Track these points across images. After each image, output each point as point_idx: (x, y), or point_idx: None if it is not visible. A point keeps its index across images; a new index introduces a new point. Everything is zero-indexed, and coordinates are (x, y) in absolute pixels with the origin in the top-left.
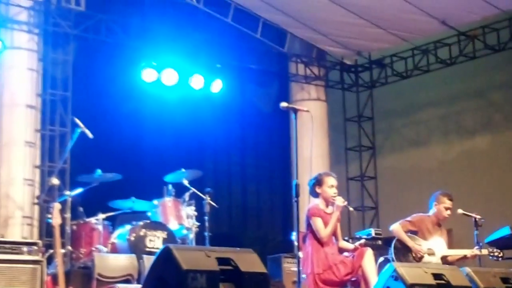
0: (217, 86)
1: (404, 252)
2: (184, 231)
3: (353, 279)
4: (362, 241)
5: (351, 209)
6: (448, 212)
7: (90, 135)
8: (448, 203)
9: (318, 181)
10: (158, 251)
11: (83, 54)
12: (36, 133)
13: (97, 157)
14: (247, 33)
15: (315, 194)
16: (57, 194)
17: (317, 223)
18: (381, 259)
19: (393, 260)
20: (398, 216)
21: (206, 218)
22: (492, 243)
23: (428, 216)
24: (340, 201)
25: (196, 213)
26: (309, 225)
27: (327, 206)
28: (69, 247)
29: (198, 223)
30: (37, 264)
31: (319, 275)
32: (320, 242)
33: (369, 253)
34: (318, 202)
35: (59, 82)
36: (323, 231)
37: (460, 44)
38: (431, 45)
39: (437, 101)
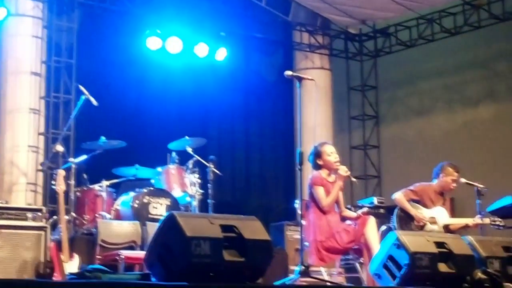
0: (221, 54)
1: (407, 221)
2: (188, 199)
3: (355, 247)
4: (365, 209)
5: (353, 179)
6: (455, 184)
7: (95, 102)
8: (455, 175)
9: (316, 154)
10: (161, 218)
11: (88, 22)
12: (41, 100)
13: (102, 124)
14: (252, 2)
15: (318, 167)
16: (61, 161)
17: (319, 192)
18: (384, 227)
19: (395, 229)
20: (401, 185)
21: (209, 185)
22: (494, 212)
23: (431, 185)
24: (343, 171)
25: (199, 181)
26: (311, 194)
27: (329, 174)
28: (73, 214)
29: (201, 191)
30: (41, 230)
31: (321, 243)
32: (322, 210)
33: (371, 221)
34: (321, 171)
35: (63, 50)
36: (325, 200)
37: (465, 14)
38: (436, 15)
39: (441, 70)
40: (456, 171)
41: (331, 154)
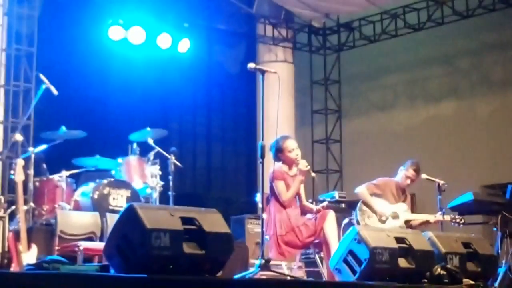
0: (184, 45)
1: (369, 214)
2: (148, 190)
3: (316, 241)
4: (325, 203)
5: (313, 174)
6: (408, 181)
7: (55, 92)
8: (410, 173)
9: (278, 149)
10: (121, 209)
11: (49, 10)
12: (0, 88)
13: (62, 114)
14: None
15: (278, 160)
16: (20, 150)
17: (279, 186)
18: (346, 220)
19: (357, 223)
20: (362, 179)
21: (170, 177)
22: (455, 209)
23: (393, 180)
24: (303, 165)
25: (160, 172)
26: (272, 187)
27: (290, 168)
28: (32, 204)
29: (162, 182)
30: None
31: (281, 237)
32: (282, 204)
33: (331, 215)
34: (282, 165)
35: (24, 37)
36: (285, 195)
37: (428, 10)
38: (400, 10)
39: (404, 66)
40: (414, 169)
41: (292, 150)
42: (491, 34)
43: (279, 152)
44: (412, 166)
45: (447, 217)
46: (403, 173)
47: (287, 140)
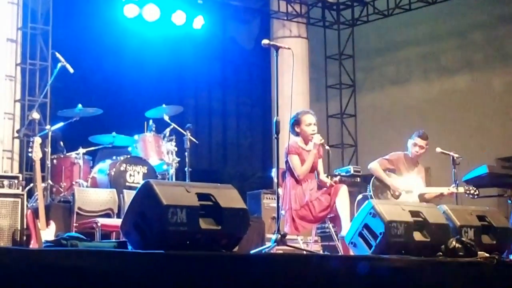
0: (198, 22)
1: (382, 190)
2: (165, 167)
3: (331, 215)
4: (337, 178)
5: (327, 147)
6: (417, 149)
7: (71, 70)
8: (417, 140)
9: (296, 121)
10: (138, 186)
11: None
12: (17, 67)
13: (78, 92)
14: None
15: (295, 133)
16: (37, 128)
17: (294, 160)
18: (360, 196)
19: (371, 198)
20: (377, 153)
21: (186, 153)
22: (469, 182)
23: (405, 154)
24: (317, 139)
25: (176, 149)
26: (287, 162)
27: (306, 143)
28: (50, 181)
29: (178, 159)
30: (17, 197)
31: (296, 211)
32: (297, 179)
33: (343, 190)
34: (298, 140)
35: (39, 16)
36: (299, 169)
37: None
38: None
39: (418, 40)
40: (419, 136)
41: (309, 125)
42: (506, 7)
43: (296, 125)
44: (418, 134)
45: (461, 189)
46: (411, 143)
47: (307, 114)
